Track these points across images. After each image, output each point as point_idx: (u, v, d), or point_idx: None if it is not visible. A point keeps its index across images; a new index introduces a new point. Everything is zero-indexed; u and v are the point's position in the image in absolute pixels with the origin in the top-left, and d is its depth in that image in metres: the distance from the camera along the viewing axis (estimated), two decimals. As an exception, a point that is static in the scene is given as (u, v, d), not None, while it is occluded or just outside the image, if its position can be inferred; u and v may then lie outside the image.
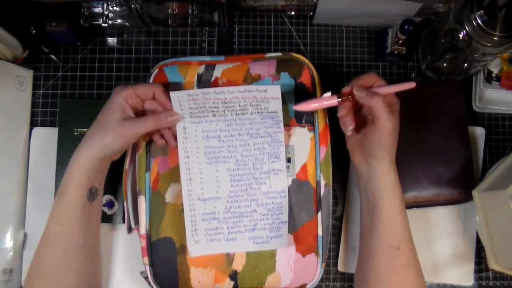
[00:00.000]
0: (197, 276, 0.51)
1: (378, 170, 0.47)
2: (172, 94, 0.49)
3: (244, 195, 0.51)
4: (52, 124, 0.60)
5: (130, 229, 0.52)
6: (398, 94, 0.48)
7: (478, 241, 0.58)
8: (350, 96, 0.47)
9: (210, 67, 0.53)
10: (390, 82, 0.48)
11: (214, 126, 0.50)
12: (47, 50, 0.61)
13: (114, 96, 0.48)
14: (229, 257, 0.52)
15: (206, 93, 0.50)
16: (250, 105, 0.50)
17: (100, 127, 0.47)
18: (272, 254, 0.52)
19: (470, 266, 0.59)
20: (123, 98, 0.47)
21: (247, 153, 0.51)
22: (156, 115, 0.48)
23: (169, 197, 0.52)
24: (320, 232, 0.51)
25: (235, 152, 0.50)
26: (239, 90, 0.50)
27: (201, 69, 0.53)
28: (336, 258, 0.59)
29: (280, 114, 0.51)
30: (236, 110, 0.50)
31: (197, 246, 0.51)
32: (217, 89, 0.50)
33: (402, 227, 0.47)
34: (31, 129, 0.60)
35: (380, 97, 0.45)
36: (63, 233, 0.46)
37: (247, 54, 0.58)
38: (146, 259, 0.51)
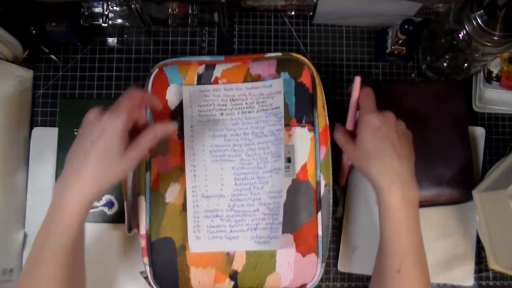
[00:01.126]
0: (197, 276, 0.51)
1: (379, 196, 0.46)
2: (185, 88, 0.49)
3: (248, 194, 0.51)
4: (52, 124, 0.60)
5: (130, 229, 0.52)
6: (398, 94, 0.47)
7: (478, 241, 0.58)
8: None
9: (210, 67, 0.53)
10: (391, 82, 0.48)
11: (221, 125, 0.51)
12: (47, 50, 0.61)
13: (108, 123, 0.41)
14: (229, 257, 0.52)
15: (216, 89, 0.51)
16: (256, 103, 0.51)
17: (100, 160, 0.40)
18: (272, 254, 0.52)
19: (470, 266, 0.59)
20: (124, 125, 0.41)
21: (252, 152, 0.51)
22: (151, 131, 0.43)
23: (169, 197, 0.52)
24: (320, 232, 0.51)
25: (240, 151, 0.51)
26: (246, 87, 0.52)
27: (201, 69, 0.53)
28: (336, 258, 0.59)
29: (282, 109, 0.51)
30: (243, 108, 0.51)
31: (198, 243, 0.51)
32: (227, 86, 0.52)
33: (404, 248, 0.45)
34: (31, 129, 0.60)
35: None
36: (48, 271, 0.41)
37: (247, 54, 0.58)
38: (146, 259, 0.51)
